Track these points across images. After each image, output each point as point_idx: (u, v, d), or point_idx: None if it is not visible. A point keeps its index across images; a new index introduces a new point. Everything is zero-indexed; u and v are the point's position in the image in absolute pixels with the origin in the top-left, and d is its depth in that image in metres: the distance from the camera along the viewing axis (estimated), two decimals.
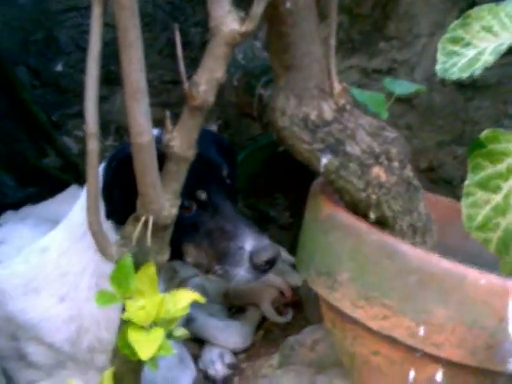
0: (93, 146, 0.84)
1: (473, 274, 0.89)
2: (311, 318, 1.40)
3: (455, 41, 1.02)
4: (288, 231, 1.50)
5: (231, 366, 1.40)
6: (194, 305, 1.03)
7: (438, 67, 1.02)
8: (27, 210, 1.58)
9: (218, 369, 1.38)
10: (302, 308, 1.48)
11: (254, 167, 1.65)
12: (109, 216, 1.06)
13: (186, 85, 0.85)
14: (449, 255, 0.96)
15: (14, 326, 1.25)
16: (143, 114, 0.82)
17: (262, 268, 1.08)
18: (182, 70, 0.83)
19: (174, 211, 0.94)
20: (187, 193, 1.03)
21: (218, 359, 1.40)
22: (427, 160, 1.74)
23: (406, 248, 0.94)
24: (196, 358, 1.42)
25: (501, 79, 1.63)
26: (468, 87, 1.62)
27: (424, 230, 1.06)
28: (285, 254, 1.59)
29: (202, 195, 1.10)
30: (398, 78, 1.66)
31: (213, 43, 0.82)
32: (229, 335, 1.44)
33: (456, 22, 1.03)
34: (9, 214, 1.58)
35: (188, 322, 1.42)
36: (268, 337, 1.46)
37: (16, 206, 1.62)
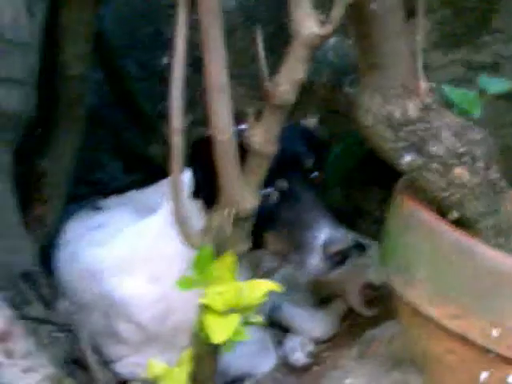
0: (177, 140, 0.88)
1: None
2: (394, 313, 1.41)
3: None
4: (381, 225, 1.50)
5: (312, 355, 1.42)
6: (281, 293, 1.06)
7: None
8: (129, 195, 1.66)
9: (299, 357, 1.41)
10: (387, 303, 1.48)
11: (350, 161, 1.66)
12: (194, 196, 1.11)
13: (267, 84, 0.88)
14: None
15: (108, 304, 1.33)
16: (224, 112, 0.85)
17: (335, 259, 1.10)
18: (263, 69, 0.86)
19: (255, 204, 0.97)
20: (269, 182, 1.06)
21: (299, 347, 1.42)
22: None
23: (482, 249, 0.94)
24: (279, 346, 1.45)
25: None
26: None
27: (508, 231, 1.05)
28: (375, 248, 1.59)
29: (283, 185, 1.12)
30: (503, 72, 1.62)
31: (294, 45, 0.85)
32: (312, 324, 1.47)
33: None
34: (113, 198, 1.66)
35: (273, 309, 1.45)
36: (351, 329, 1.47)
37: (121, 190, 1.70)
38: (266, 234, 1.15)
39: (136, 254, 1.30)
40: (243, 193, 0.95)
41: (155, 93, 1.73)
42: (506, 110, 1.65)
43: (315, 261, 1.12)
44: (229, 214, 0.96)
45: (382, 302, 1.48)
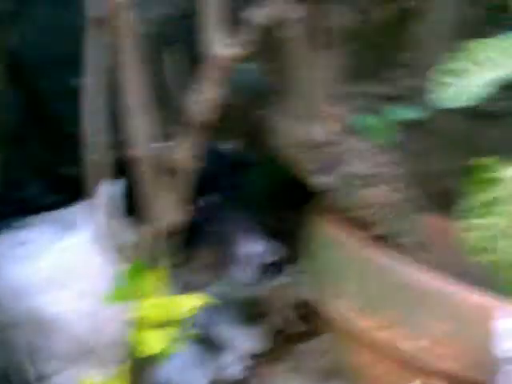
0: (96, 161, 0.89)
1: (468, 292, 0.91)
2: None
3: (457, 71, 1.01)
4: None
5: (246, 370, 1.41)
6: (214, 309, 1.05)
7: (433, 96, 1.01)
8: (53, 213, 1.62)
9: (234, 372, 1.39)
10: (319, 317, 1.48)
11: (274, 179, 1.67)
12: (124, 213, 1.11)
13: (184, 105, 0.89)
14: (448, 272, 0.98)
15: (37, 320, 1.29)
16: (139, 130, 0.86)
17: (265, 271, 1.10)
18: (179, 92, 0.87)
19: (179, 219, 0.97)
20: (196, 200, 1.06)
21: (234, 362, 1.41)
22: (440, 184, 1.73)
23: (402, 265, 0.96)
24: (214, 361, 1.43)
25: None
26: (481, 114, 1.62)
27: (424, 247, 1.06)
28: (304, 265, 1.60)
29: (210, 202, 1.13)
30: (407, 104, 1.66)
31: (206, 67, 0.85)
32: (247, 340, 1.46)
33: (452, 53, 1.02)
34: (36, 216, 1.63)
35: (207, 325, 1.44)
36: (285, 343, 1.46)
37: (44, 209, 1.66)
38: (195, 250, 1.15)
39: (64, 270, 1.27)
40: (169, 208, 0.94)
41: (71, 113, 1.70)
42: (418, 138, 1.69)
43: (246, 274, 1.12)
44: (156, 229, 0.96)
45: (314, 317, 1.48)
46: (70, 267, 1.23)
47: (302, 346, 1.32)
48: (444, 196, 1.65)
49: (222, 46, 0.82)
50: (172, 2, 1.59)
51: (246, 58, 0.89)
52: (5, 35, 1.36)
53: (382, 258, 0.97)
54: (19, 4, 1.53)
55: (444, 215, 1.16)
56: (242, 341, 1.43)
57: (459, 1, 1.63)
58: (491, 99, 0.97)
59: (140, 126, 0.83)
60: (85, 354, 1.24)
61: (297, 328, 1.44)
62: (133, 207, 1.05)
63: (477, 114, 1.46)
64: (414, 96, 1.58)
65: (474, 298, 0.90)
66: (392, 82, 1.57)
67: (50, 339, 1.25)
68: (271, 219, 1.72)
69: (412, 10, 1.62)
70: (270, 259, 1.09)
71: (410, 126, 1.37)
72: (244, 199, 1.21)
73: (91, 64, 0.83)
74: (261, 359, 1.42)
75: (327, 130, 0.99)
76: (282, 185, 1.53)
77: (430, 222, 1.19)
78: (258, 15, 0.83)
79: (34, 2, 1.61)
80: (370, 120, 1.21)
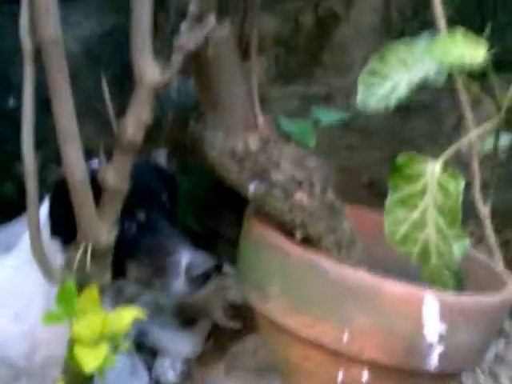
0: (31, 184, 0.87)
1: (388, 283, 0.96)
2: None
3: (374, 73, 1.05)
4: (236, 246, 1.54)
5: (182, 374, 1.43)
6: (147, 318, 1.06)
7: (358, 98, 1.05)
8: None
9: (170, 377, 1.41)
10: (248, 318, 1.52)
11: (201, 189, 1.69)
12: (54, 234, 1.10)
13: (115, 126, 0.89)
14: (377, 265, 1.03)
15: None
16: (74, 155, 0.86)
17: (197, 281, 1.12)
18: (111, 113, 0.87)
19: (110, 239, 0.97)
20: (128, 214, 1.07)
21: (170, 368, 1.43)
22: (368, 176, 1.79)
23: (326, 263, 1.00)
24: (150, 369, 1.44)
25: (434, 101, 1.70)
26: (404, 109, 1.68)
27: (348, 245, 1.11)
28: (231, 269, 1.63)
29: (142, 216, 1.13)
30: (335, 103, 1.71)
31: (137, 90, 0.87)
32: (180, 344, 1.48)
33: (375, 55, 1.06)
34: None
35: (141, 334, 1.45)
36: (217, 345, 1.49)
37: None
38: (128, 263, 1.15)
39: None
40: (99, 228, 0.95)
41: (5, 134, 1.68)
42: (340, 135, 1.75)
43: (179, 284, 1.13)
44: (86, 249, 0.96)
45: (243, 318, 1.51)
46: (3, 289, 1.21)
47: (235, 347, 1.35)
48: (373, 188, 1.73)
49: (154, 70, 0.83)
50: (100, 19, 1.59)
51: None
52: None
53: (303, 258, 1.01)
54: None
55: (374, 207, 1.21)
56: (176, 346, 1.46)
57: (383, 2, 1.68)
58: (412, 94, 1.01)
59: (73, 149, 0.83)
60: (20, 375, 1.23)
61: (228, 329, 1.47)
62: (64, 228, 1.05)
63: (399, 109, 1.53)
64: (340, 96, 1.64)
65: (397, 288, 0.96)
66: (320, 83, 1.61)
67: None
68: (204, 226, 1.75)
69: (337, 13, 1.67)
70: (201, 269, 1.11)
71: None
72: (177, 210, 1.22)
73: (27, 87, 0.82)
74: (195, 362, 1.45)
75: (258, 138, 1.01)
76: (215, 193, 1.56)
77: (360, 214, 1.26)
78: (186, 41, 0.84)
79: None
80: (296, 124, 1.24)
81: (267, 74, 1.76)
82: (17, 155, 1.66)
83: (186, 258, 1.12)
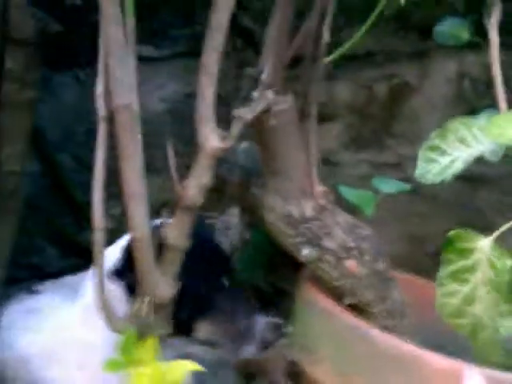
0: (98, 237, 0.96)
1: (428, 356, 0.97)
2: None
3: (433, 149, 1.09)
4: None
5: None
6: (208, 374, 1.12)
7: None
8: (64, 280, 1.69)
9: None
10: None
11: (267, 247, 1.74)
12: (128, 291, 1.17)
13: (178, 187, 0.97)
14: (426, 333, 1.07)
15: None
16: (139, 213, 0.94)
17: (269, 345, 1.17)
18: (175, 177, 0.95)
19: (170, 292, 1.04)
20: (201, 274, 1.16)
21: None
22: (435, 245, 1.80)
23: (374, 332, 1.02)
24: None
25: (503, 174, 1.71)
26: (476, 179, 1.70)
27: (398, 314, 1.14)
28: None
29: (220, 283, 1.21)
30: (405, 171, 1.75)
31: (199, 155, 0.94)
32: None
33: (435, 131, 1.10)
34: (49, 282, 1.69)
35: None
36: None
37: (56, 274, 1.73)
38: (196, 322, 1.21)
39: (62, 341, 1.33)
40: (159, 282, 1.02)
41: (87, 184, 1.79)
42: (409, 202, 1.78)
43: (251, 349, 1.19)
44: (147, 301, 1.03)
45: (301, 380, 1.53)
46: (69, 338, 1.29)
47: None
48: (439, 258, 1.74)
49: (215, 138, 0.91)
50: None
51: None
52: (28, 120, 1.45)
53: (350, 324, 1.04)
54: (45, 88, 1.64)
55: (429, 278, 1.23)
56: None
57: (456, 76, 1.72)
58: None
59: (138, 208, 0.91)
60: None
61: None
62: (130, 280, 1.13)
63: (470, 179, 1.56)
64: (410, 164, 1.68)
65: (437, 360, 0.96)
66: (391, 151, 1.66)
67: None
68: (270, 282, 1.80)
69: (410, 83, 1.73)
70: (273, 336, 1.16)
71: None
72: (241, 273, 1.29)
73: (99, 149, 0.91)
74: None
75: (314, 205, 1.06)
76: (275, 256, 1.62)
77: (413, 283, 1.28)
78: (246, 112, 0.91)
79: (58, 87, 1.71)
80: (356, 192, 1.29)
81: (340, 140, 1.83)
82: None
83: (260, 323, 1.18)
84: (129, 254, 1.13)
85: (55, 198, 1.85)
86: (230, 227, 1.86)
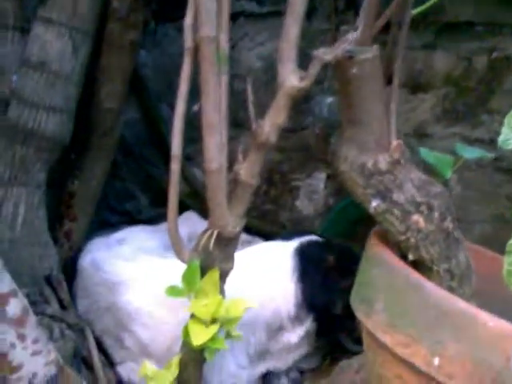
0: (175, 166, 1.01)
1: (483, 315, 0.97)
2: None
3: None
4: None
5: (294, 382, 1.51)
6: None
7: (500, 138, 1.10)
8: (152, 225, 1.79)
9: (283, 382, 1.50)
10: None
11: (355, 214, 1.77)
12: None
13: (254, 125, 1.01)
14: (488, 302, 1.05)
15: (119, 312, 1.44)
16: (215, 145, 0.99)
17: None
18: (252, 115, 0.99)
19: (238, 229, 1.09)
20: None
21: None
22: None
23: (429, 285, 1.03)
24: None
25: None
26: None
27: (461, 276, 1.14)
28: None
29: None
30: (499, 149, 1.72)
31: (278, 95, 0.98)
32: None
33: None
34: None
35: None
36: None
37: (147, 223, 1.83)
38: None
39: (154, 275, 1.42)
40: (227, 217, 1.07)
41: (185, 136, 1.86)
42: (501, 183, 1.75)
43: None
44: (213, 235, 1.08)
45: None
46: (160, 273, 1.37)
47: (343, 362, 1.41)
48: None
49: (294, 78, 0.94)
50: None
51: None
52: (128, 62, 1.54)
53: (408, 277, 1.05)
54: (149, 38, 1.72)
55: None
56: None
57: None
58: None
59: (213, 140, 0.96)
60: (147, 354, 1.38)
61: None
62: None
63: None
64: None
65: (492, 321, 0.96)
66: (485, 127, 1.65)
67: (123, 333, 1.39)
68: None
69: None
70: None
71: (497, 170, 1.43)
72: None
73: (183, 82, 0.96)
74: (308, 374, 1.52)
75: (388, 159, 1.08)
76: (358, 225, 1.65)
77: (484, 255, 1.30)
78: (326, 53, 0.94)
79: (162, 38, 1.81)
80: (436, 155, 1.29)
81: (433, 112, 1.82)
82: (191, 158, 1.85)
83: None
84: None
85: (151, 147, 1.95)
86: (314, 192, 1.89)
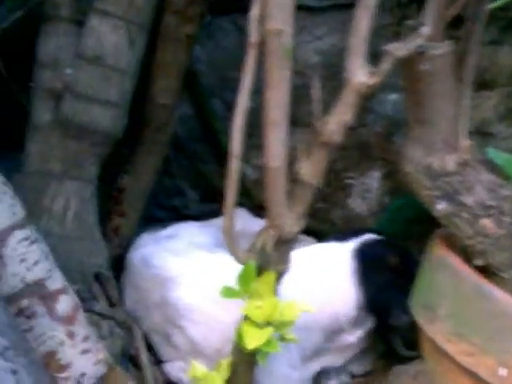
0: (234, 165, 0.98)
1: None
2: None
3: None
4: None
5: None
6: None
7: None
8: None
9: None
10: None
11: (411, 213, 1.72)
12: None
13: (318, 123, 0.97)
14: None
15: (169, 309, 1.42)
16: (277, 143, 0.95)
17: None
18: (317, 111, 0.95)
19: (296, 229, 1.05)
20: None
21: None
22: None
23: (498, 293, 0.99)
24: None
25: None
26: None
27: None
28: None
29: None
30: None
31: (345, 91, 0.94)
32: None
33: None
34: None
35: None
36: (386, 366, 1.51)
37: (196, 218, 1.80)
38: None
39: (206, 271, 1.40)
40: (286, 217, 1.03)
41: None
42: None
43: None
44: (271, 235, 1.05)
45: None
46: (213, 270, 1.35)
47: (399, 368, 1.37)
48: None
49: (363, 74, 0.90)
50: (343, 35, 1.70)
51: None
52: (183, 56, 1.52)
53: (476, 284, 1.01)
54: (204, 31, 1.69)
55: None
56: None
57: None
58: None
59: (275, 137, 0.92)
60: (197, 352, 1.35)
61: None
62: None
63: None
64: None
65: None
66: None
67: (172, 330, 1.37)
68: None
69: None
70: None
71: None
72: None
73: (246, 76, 0.92)
74: (360, 378, 1.49)
75: (456, 160, 1.03)
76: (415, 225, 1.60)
77: None
78: (398, 48, 0.89)
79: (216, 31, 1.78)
80: (506, 157, 1.24)
81: (496, 110, 1.75)
82: (244, 154, 1.81)
83: None
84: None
85: (202, 143, 1.92)
86: (368, 190, 1.85)
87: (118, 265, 1.59)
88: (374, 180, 1.83)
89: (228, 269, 1.09)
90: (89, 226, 1.48)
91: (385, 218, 1.82)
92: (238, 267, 1.09)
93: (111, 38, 1.37)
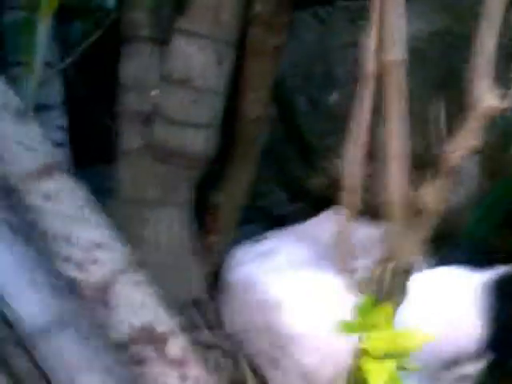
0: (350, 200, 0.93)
1: None
2: None
3: None
4: None
5: None
6: None
7: None
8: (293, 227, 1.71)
9: None
10: None
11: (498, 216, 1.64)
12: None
13: (443, 149, 0.91)
14: None
15: (279, 337, 1.37)
16: (397, 176, 0.89)
17: None
18: (440, 136, 0.89)
19: (415, 258, 0.99)
20: None
21: None
22: None
23: None
24: None
25: None
26: None
27: None
28: None
29: None
30: None
31: (470, 116, 0.87)
32: None
33: None
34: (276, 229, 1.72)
35: None
36: None
37: (284, 218, 1.75)
38: None
39: (315, 292, 1.34)
40: (406, 248, 0.98)
41: (322, 129, 1.78)
42: None
43: None
44: (390, 267, 0.99)
45: None
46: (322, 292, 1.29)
47: None
48: None
49: (488, 96, 0.83)
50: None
51: None
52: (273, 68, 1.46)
53: None
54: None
55: None
56: None
57: None
58: None
59: (396, 169, 0.87)
60: (309, 378, 1.31)
61: None
62: None
63: None
64: None
65: None
66: None
67: (280, 357, 1.33)
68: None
69: None
70: None
71: None
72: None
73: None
74: None
75: None
76: None
77: None
78: None
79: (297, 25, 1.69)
80: None
81: None
82: (332, 150, 1.76)
83: None
84: None
85: (288, 142, 1.86)
86: (467, 176, 1.76)
87: (214, 284, 1.56)
88: (472, 165, 1.74)
89: (336, 288, 1.11)
90: (183, 252, 1.45)
91: (483, 207, 1.73)
92: (346, 288, 1.08)
93: (198, 58, 1.32)
